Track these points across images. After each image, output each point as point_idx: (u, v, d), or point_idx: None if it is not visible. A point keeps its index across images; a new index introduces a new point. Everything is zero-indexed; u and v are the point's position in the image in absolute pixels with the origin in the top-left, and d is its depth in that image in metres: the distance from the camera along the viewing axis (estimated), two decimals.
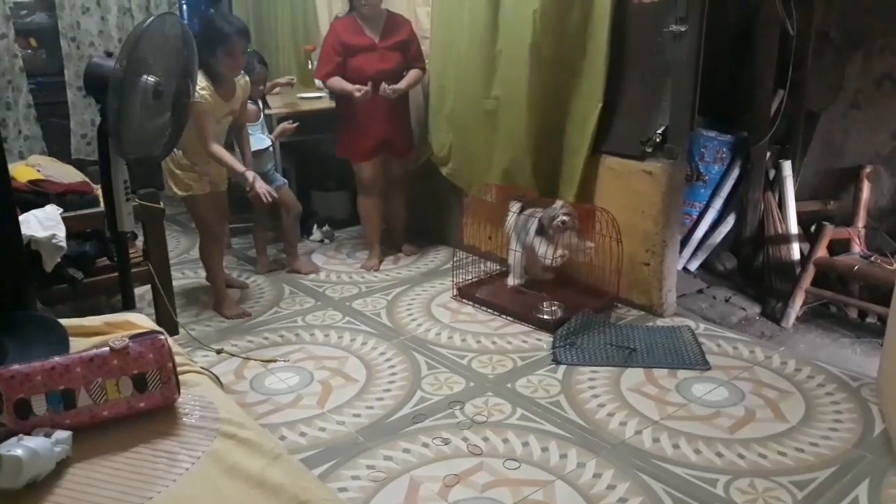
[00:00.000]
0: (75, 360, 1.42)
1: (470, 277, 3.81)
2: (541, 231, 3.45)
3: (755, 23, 3.72)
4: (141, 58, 2.25)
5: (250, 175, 3.31)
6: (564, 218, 3.35)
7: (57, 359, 1.42)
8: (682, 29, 3.10)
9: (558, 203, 3.45)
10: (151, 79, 2.28)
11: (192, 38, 2.46)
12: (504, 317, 3.49)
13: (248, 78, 3.49)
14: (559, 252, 3.41)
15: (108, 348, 1.44)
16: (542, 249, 3.44)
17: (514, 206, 3.64)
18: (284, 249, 4.16)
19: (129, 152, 2.40)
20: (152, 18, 2.30)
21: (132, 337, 1.49)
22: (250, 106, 3.69)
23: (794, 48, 3.64)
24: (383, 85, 3.76)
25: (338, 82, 3.82)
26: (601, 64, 3.30)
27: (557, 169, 3.63)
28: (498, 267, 3.93)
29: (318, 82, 4.59)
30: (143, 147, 2.47)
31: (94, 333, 1.77)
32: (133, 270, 2.85)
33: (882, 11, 3.55)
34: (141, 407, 1.46)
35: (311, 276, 4.04)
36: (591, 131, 3.41)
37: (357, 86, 3.74)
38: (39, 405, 1.37)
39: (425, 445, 2.47)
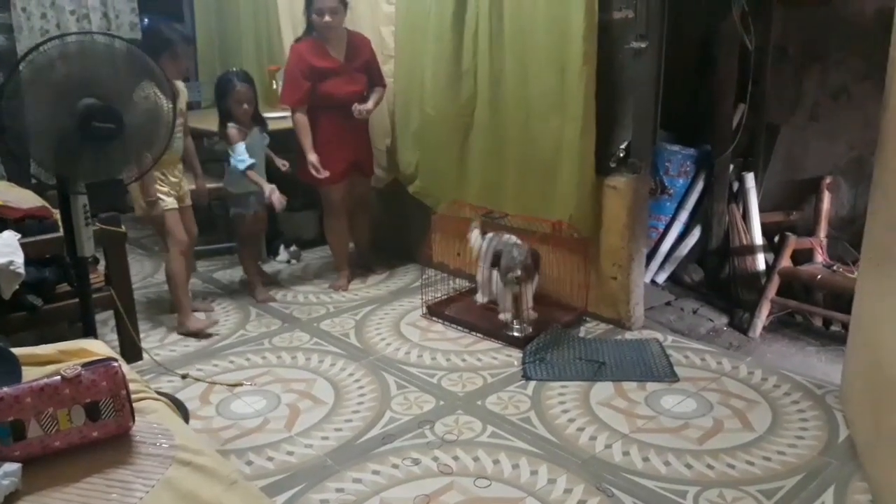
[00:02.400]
0: (25, 389, 1.38)
1: (439, 295, 3.80)
2: (498, 270, 3.39)
3: (715, 39, 3.79)
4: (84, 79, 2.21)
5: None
6: (518, 274, 3.26)
7: (6, 389, 1.38)
8: (643, 45, 3.14)
9: (512, 239, 3.40)
10: (88, 101, 2.23)
11: (141, 57, 2.40)
12: (474, 334, 3.48)
13: (183, 84, 3.50)
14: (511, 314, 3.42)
15: (59, 377, 1.40)
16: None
17: (475, 231, 3.63)
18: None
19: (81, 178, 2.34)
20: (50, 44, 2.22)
21: (85, 365, 1.46)
22: (230, 129, 3.69)
23: (754, 63, 3.70)
24: (356, 105, 3.75)
25: (304, 129, 3.76)
26: (579, 83, 3.22)
27: (544, 190, 3.53)
28: (467, 284, 3.93)
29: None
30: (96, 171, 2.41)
31: (47, 362, 1.73)
32: (95, 296, 2.80)
33: (837, 27, 3.64)
34: (94, 436, 1.42)
35: (271, 301, 3.97)
36: (577, 151, 3.31)
37: (311, 160, 3.74)
38: None
39: (395, 466, 2.44)
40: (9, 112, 2.18)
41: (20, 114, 2.21)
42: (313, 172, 3.76)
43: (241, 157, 3.66)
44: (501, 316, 3.46)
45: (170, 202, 3.41)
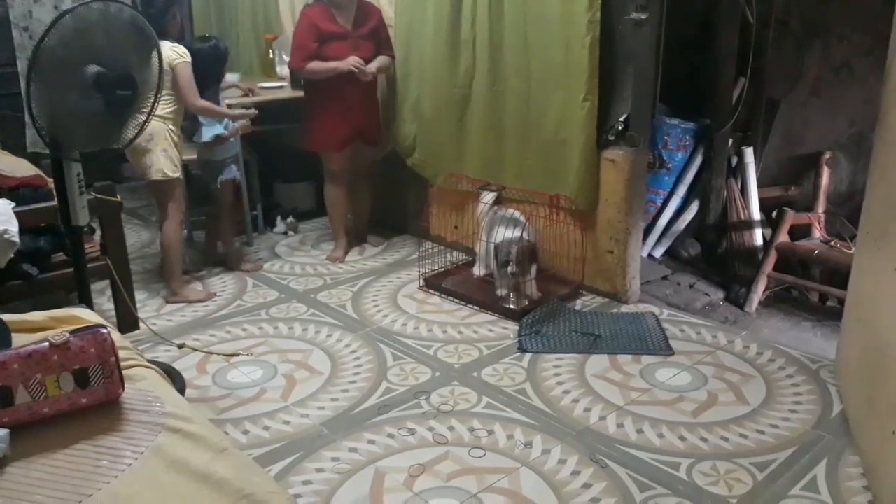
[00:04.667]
0: (12, 356, 1.38)
1: (436, 268, 3.79)
2: (496, 258, 3.39)
3: (716, 11, 3.74)
4: (85, 47, 2.18)
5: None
6: (514, 269, 3.26)
7: None
8: (643, 17, 3.10)
9: (515, 214, 3.40)
10: (94, 69, 2.21)
11: (146, 26, 2.38)
12: (470, 306, 3.48)
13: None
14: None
15: (47, 343, 1.40)
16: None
17: (487, 197, 3.61)
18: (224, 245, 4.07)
19: (78, 146, 2.33)
20: (75, 7, 2.21)
21: (73, 331, 1.45)
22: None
23: (755, 37, 3.66)
24: (355, 60, 3.69)
25: (320, 65, 3.73)
26: (583, 55, 3.18)
27: (543, 163, 3.50)
28: (464, 256, 3.92)
29: (282, 71, 4.54)
30: (83, 139, 2.39)
31: (38, 329, 1.72)
32: (91, 265, 2.79)
33: (839, 2, 3.58)
34: (83, 403, 1.42)
35: (257, 271, 3.97)
36: (580, 125, 3.28)
37: (350, 64, 3.67)
38: None
39: (391, 436, 2.45)
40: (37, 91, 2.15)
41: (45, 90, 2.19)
42: (357, 70, 3.69)
43: (215, 127, 3.69)
44: (499, 291, 3.46)
45: (178, 171, 3.45)
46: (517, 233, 3.29)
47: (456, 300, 3.55)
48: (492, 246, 3.41)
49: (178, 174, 3.44)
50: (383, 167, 4.30)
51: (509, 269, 3.26)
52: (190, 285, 3.66)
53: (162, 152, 3.35)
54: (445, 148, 3.92)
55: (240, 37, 5.09)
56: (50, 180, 2.85)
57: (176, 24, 3.48)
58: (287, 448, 2.40)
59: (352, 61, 3.68)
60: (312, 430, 2.50)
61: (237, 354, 3.04)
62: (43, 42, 2.14)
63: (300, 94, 4.07)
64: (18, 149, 4.27)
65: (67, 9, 2.21)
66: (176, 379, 2.65)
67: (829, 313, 3.47)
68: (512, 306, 3.36)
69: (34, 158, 3.83)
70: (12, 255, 2.68)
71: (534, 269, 3.42)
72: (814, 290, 3.62)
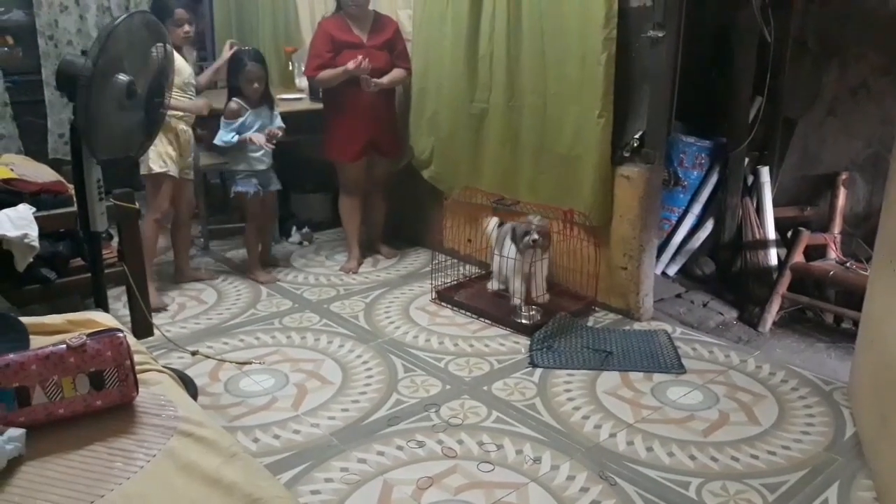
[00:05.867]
0: (30, 357, 1.40)
1: (449, 280, 3.80)
2: (513, 239, 3.41)
3: (733, 30, 3.74)
4: (113, 56, 2.22)
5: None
6: (535, 237, 3.29)
7: (12, 356, 1.40)
8: (660, 35, 3.11)
9: (535, 218, 3.39)
10: (124, 77, 2.26)
11: (165, 35, 2.44)
12: (482, 320, 3.48)
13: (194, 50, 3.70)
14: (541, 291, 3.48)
15: (64, 345, 1.42)
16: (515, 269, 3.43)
17: (492, 222, 3.64)
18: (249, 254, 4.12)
19: (102, 152, 2.38)
20: (122, 17, 2.28)
21: (90, 335, 1.47)
22: (230, 104, 3.73)
23: (772, 56, 3.66)
24: (365, 77, 3.74)
25: (329, 71, 3.78)
26: (599, 72, 3.19)
27: (558, 178, 3.51)
28: (477, 270, 3.93)
29: (301, 83, 4.59)
30: (116, 147, 2.45)
31: (55, 331, 1.75)
32: (108, 271, 2.83)
33: (857, 21, 3.58)
34: (98, 405, 1.44)
35: (273, 283, 3.99)
36: (594, 141, 3.29)
37: (354, 60, 3.69)
38: None
39: (400, 448, 2.46)
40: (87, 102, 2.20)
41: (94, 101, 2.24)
42: (358, 68, 3.70)
43: (227, 136, 3.70)
44: (514, 301, 3.46)
45: (171, 167, 3.51)
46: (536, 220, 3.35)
47: (468, 313, 3.55)
48: (505, 260, 3.42)
49: (164, 169, 3.50)
50: (399, 179, 4.33)
51: (530, 238, 3.28)
52: (159, 294, 3.70)
53: (151, 148, 3.35)
54: (461, 162, 3.94)
55: (260, 48, 5.14)
56: (71, 186, 2.89)
57: (180, 30, 3.58)
58: (297, 457, 2.41)
59: (357, 60, 3.69)
60: (322, 440, 2.51)
61: (250, 363, 3.06)
62: (102, 50, 2.18)
63: (318, 105, 4.12)
64: (40, 154, 4.35)
65: (118, 20, 2.26)
66: (188, 385, 2.67)
67: (843, 335, 3.44)
68: (524, 321, 3.37)
69: (55, 164, 3.91)
70: (31, 259, 2.72)
71: (546, 263, 3.42)
72: (828, 311, 3.59)
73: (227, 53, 3.94)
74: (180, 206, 3.77)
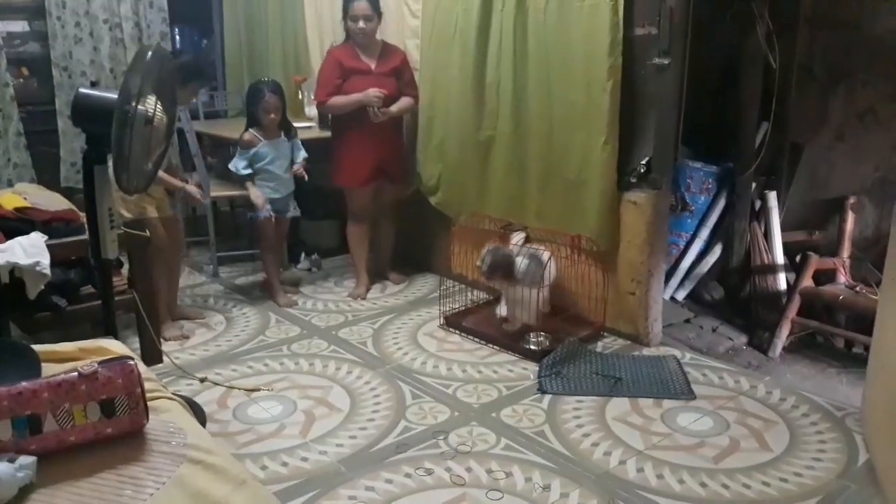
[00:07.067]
0: (43, 385, 1.41)
1: (457, 306, 3.81)
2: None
3: (739, 56, 3.77)
4: (139, 89, 2.25)
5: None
6: (480, 265, 3.39)
7: (24, 384, 1.41)
8: (666, 62, 3.14)
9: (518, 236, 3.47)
10: (152, 110, 2.27)
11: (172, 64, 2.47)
12: (490, 346, 3.48)
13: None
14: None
15: (76, 373, 1.43)
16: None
17: (518, 238, 3.63)
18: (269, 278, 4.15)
19: (132, 185, 2.39)
20: (152, 50, 2.27)
21: (102, 362, 1.48)
22: (246, 134, 3.80)
23: (778, 81, 3.68)
24: (373, 109, 3.79)
25: (341, 98, 3.84)
26: (604, 99, 3.23)
27: (564, 204, 3.53)
28: (485, 296, 3.93)
29: (310, 111, 4.64)
30: (142, 177, 2.47)
31: (67, 359, 1.76)
32: (118, 298, 2.85)
33: (864, 46, 3.60)
34: (108, 432, 1.45)
35: (293, 307, 4.03)
36: (600, 167, 3.31)
37: (370, 91, 3.76)
38: (4, 430, 1.36)
39: (408, 476, 2.45)
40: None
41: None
42: (373, 104, 3.77)
43: (240, 164, 3.78)
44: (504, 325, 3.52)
45: (150, 210, 3.44)
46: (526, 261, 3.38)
47: (476, 339, 3.55)
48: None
49: (140, 216, 3.39)
50: (407, 205, 4.35)
51: (485, 265, 3.40)
52: (168, 321, 3.67)
53: (118, 197, 3.31)
54: (469, 188, 3.97)
55: (270, 77, 5.22)
56: (82, 214, 2.92)
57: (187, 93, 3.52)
58: (305, 485, 2.40)
59: (371, 92, 3.77)
60: (330, 468, 2.50)
61: (258, 389, 3.06)
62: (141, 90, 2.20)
63: (327, 133, 4.16)
64: (53, 183, 4.40)
65: (157, 53, 2.28)
66: (197, 412, 2.67)
67: (854, 360, 3.42)
68: (532, 346, 3.36)
69: (67, 193, 3.95)
70: (43, 287, 2.74)
71: (539, 295, 3.41)
72: (839, 335, 3.57)
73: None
74: (168, 243, 3.62)
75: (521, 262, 3.38)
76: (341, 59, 3.87)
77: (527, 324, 3.46)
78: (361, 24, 3.78)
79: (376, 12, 3.82)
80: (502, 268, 3.37)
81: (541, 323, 3.46)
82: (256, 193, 3.80)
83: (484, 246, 3.54)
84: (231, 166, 3.83)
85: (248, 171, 3.79)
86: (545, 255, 3.42)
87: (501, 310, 3.64)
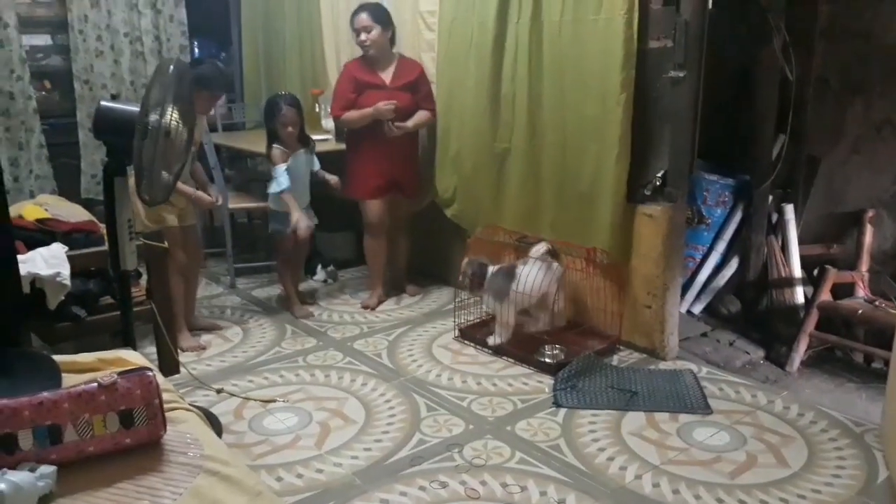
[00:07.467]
0: (63, 395, 1.43)
1: (472, 318, 3.81)
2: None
3: (755, 68, 3.76)
4: (159, 101, 2.28)
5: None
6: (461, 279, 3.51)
7: (45, 394, 1.43)
8: (681, 75, 3.14)
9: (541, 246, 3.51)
10: (172, 122, 2.30)
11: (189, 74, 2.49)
12: (505, 359, 3.47)
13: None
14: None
15: (96, 384, 1.45)
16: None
17: (540, 248, 3.56)
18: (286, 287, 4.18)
19: (152, 196, 2.42)
20: (174, 63, 2.30)
21: (121, 373, 1.50)
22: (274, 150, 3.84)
23: (794, 94, 3.67)
24: (388, 123, 3.81)
25: (354, 113, 3.87)
26: (618, 113, 3.24)
27: (579, 216, 3.53)
28: None
29: (327, 124, 4.68)
30: (161, 189, 2.49)
31: (86, 370, 1.78)
32: (136, 309, 2.87)
33: (881, 58, 3.59)
34: (127, 443, 1.47)
35: (309, 317, 4.05)
36: (613, 180, 3.32)
37: (379, 104, 3.78)
38: (25, 440, 1.38)
39: (422, 489, 2.45)
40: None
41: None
42: (384, 110, 3.79)
43: (279, 179, 3.79)
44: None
45: (170, 219, 3.48)
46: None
47: (491, 352, 3.54)
48: (521, 296, 3.45)
49: (160, 225, 3.45)
50: (423, 217, 4.37)
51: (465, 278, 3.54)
52: (185, 332, 3.68)
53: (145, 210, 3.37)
54: (484, 200, 3.98)
55: (287, 90, 5.27)
56: (102, 225, 2.96)
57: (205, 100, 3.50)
58: (319, 497, 2.41)
59: (382, 105, 3.78)
60: (345, 480, 2.51)
61: (274, 400, 3.08)
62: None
63: (343, 146, 4.19)
64: (73, 194, 4.46)
65: (178, 67, 2.31)
66: (213, 423, 2.68)
67: (874, 375, 3.38)
68: (547, 360, 3.35)
69: (87, 204, 4.00)
70: (63, 297, 2.78)
71: (544, 317, 3.50)
72: (858, 350, 3.53)
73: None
74: (186, 254, 3.66)
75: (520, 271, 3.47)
76: (356, 74, 3.90)
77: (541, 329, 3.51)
78: (362, 35, 3.81)
79: (377, 22, 3.81)
80: (479, 279, 3.47)
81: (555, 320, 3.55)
82: (298, 214, 3.81)
83: (499, 258, 3.55)
84: (275, 186, 3.79)
85: (288, 184, 3.80)
86: (556, 267, 3.44)
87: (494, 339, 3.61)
